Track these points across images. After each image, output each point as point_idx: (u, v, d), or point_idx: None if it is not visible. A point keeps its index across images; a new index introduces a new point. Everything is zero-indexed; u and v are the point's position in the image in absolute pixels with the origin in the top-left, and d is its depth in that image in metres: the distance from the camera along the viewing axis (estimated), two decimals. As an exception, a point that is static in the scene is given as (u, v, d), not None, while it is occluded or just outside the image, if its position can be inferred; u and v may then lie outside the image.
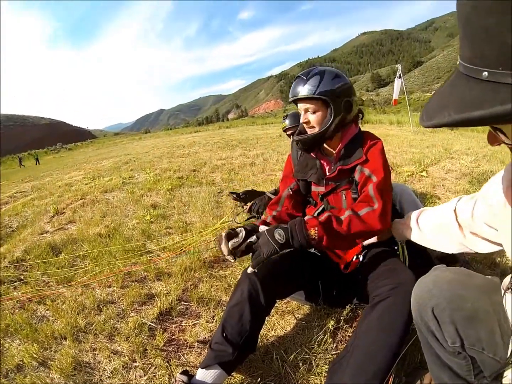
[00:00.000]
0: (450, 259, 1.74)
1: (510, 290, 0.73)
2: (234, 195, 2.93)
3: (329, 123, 1.31)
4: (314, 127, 1.35)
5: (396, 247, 1.42)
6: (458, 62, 0.48)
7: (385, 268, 1.25)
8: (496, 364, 0.78)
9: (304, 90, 1.29)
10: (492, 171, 3.91)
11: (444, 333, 0.84)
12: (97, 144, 36.51)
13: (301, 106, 1.35)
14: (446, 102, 0.46)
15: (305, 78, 1.31)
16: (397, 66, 10.39)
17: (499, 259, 1.97)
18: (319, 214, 1.44)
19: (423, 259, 1.59)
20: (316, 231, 1.14)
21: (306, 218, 1.21)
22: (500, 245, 0.86)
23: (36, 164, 25.36)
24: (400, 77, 9.61)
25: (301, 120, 1.37)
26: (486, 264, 1.95)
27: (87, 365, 1.45)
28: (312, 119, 1.34)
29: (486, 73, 0.40)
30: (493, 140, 0.55)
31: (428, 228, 1.18)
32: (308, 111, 1.34)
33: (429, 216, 1.19)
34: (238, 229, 1.27)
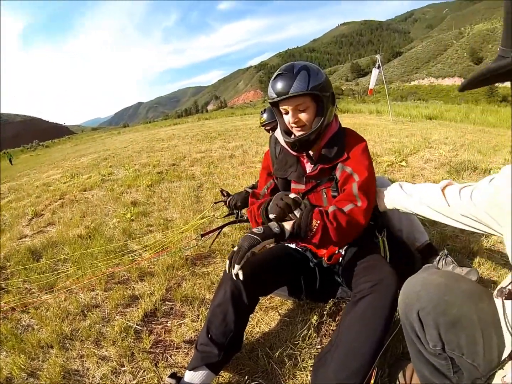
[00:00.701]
0: (429, 251, 1.80)
1: (504, 296, 0.75)
2: (224, 193, 2.82)
3: (322, 118, 1.29)
4: (305, 125, 1.31)
5: (377, 241, 1.45)
6: (498, 49, 0.56)
7: (366, 264, 1.28)
8: (474, 369, 0.81)
9: (295, 86, 1.22)
10: (470, 160, 4.02)
11: (426, 335, 0.87)
12: (75, 140, 35.52)
13: (289, 106, 1.28)
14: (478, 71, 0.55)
15: (291, 74, 1.24)
16: (376, 56, 10.48)
17: (476, 248, 2.04)
18: None
19: (403, 252, 1.63)
20: (317, 224, 1.19)
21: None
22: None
23: (10, 164, 24.12)
24: (379, 67, 9.71)
25: (290, 120, 1.31)
26: (465, 254, 2.02)
27: (76, 372, 1.44)
28: (304, 117, 1.29)
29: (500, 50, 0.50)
30: None
31: (416, 194, 1.19)
32: (298, 110, 1.29)
33: (413, 186, 1.24)
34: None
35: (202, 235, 2.24)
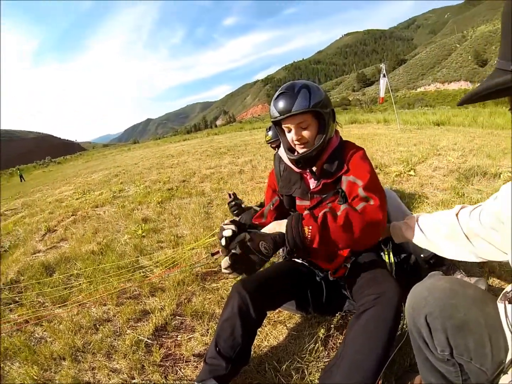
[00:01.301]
0: (436, 261, 1.79)
1: (508, 300, 0.75)
2: (231, 195, 2.78)
3: (324, 135, 1.32)
4: (307, 142, 1.34)
5: (382, 254, 1.47)
6: (496, 61, 0.56)
7: (370, 276, 1.29)
8: (483, 374, 0.81)
9: (297, 105, 1.26)
10: (479, 165, 3.97)
11: (434, 340, 0.88)
12: (87, 157, 36.25)
13: (291, 124, 1.32)
14: (477, 87, 0.56)
15: (292, 93, 1.28)
16: (381, 65, 10.54)
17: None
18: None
19: (409, 264, 1.63)
20: (310, 230, 1.13)
21: (304, 213, 1.21)
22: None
23: (20, 181, 23.82)
24: (384, 76, 9.76)
25: (293, 138, 1.34)
26: (474, 263, 1.99)
27: (87, 384, 1.48)
28: (306, 134, 1.32)
29: (497, 62, 0.51)
30: None
31: (430, 230, 1.18)
32: (300, 127, 1.32)
33: (428, 218, 1.22)
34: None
35: (212, 254, 2.27)
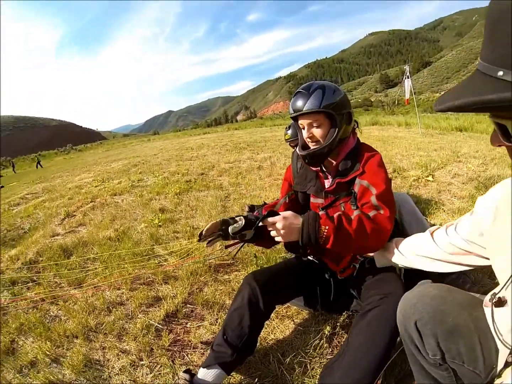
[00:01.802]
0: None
1: (492, 304, 0.77)
2: (247, 208, 2.80)
3: (334, 135, 1.34)
4: (318, 141, 1.37)
5: None
6: (478, 62, 0.53)
7: (377, 277, 1.31)
8: (477, 377, 0.82)
9: (309, 104, 1.31)
10: (500, 175, 3.86)
11: (425, 345, 0.89)
12: (107, 146, 36.95)
13: (304, 121, 1.37)
14: (460, 91, 0.52)
15: (307, 92, 1.33)
16: (405, 67, 10.36)
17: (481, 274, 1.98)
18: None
19: (419, 269, 1.63)
20: (326, 230, 1.15)
21: (320, 213, 1.26)
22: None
23: (36, 167, 23.25)
24: (408, 77, 9.59)
25: (305, 136, 1.39)
26: (486, 273, 1.95)
27: (97, 362, 1.55)
28: (317, 133, 1.35)
29: (501, 72, 0.45)
30: (495, 140, 0.61)
31: (406, 250, 1.21)
32: (312, 126, 1.36)
33: (405, 241, 1.25)
34: (237, 218, 1.33)
35: (226, 247, 2.31)
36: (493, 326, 0.77)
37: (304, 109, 1.31)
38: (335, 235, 1.14)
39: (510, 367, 0.72)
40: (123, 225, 3.48)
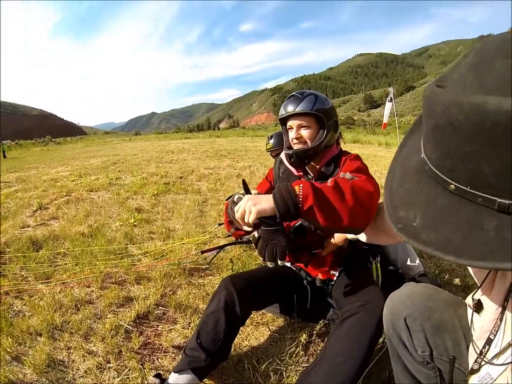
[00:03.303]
0: (421, 280, 1.82)
1: (473, 305, 0.79)
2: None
3: (321, 138, 1.39)
4: (306, 142, 1.42)
5: (370, 266, 1.49)
6: (422, 156, 0.48)
7: (356, 285, 1.32)
8: (461, 374, 0.84)
9: (302, 106, 1.38)
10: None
11: (414, 341, 0.90)
12: (87, 141, 36.03)
13: (294, 122, 1.42)
14: (413, 200, 0.48)
15: (301, 96, 1.42)
16: (389, 89, 10.65)
17: (472, 282, 2.04)
18: (295, 228, 1.40)
19: (397, 280, 1.66)
20: (301, 188, 0.96)
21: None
22: None
23: (4, 157, 20.64)
24: (391, 100, 9.85)
25: (293, 136, 1.43)
26: (460, 287, 2.04)
27: (61, 363, 1.46)
28: (305, 134, 1.41)
29: (453, 186, 0.42)
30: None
31: None
32: (301, 127, 1.41)
33: None
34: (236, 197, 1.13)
35: (203, 252, 2.27)
36: (471, 328, 0.79)
37: (297, 109, 1.39)
38: (313, 191, 0.96)
39: (474, 375, 0.74)
40: (98, 221, 3.37)
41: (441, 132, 0.41)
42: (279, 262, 0.95)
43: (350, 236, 1.34)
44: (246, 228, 1.03)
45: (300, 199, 0.94)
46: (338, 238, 1.40)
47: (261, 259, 0.96)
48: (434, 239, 0.43)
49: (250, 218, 0.95)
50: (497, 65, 0.36)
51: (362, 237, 1.24)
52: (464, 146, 0.38)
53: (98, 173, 6.49)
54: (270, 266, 0.96)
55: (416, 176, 0.49)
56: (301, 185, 0.97)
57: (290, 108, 1.41)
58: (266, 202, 0.96)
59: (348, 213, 0.97)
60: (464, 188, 0.40)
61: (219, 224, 2.73)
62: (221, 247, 2.36)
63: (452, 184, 0.42)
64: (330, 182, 1.06)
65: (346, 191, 1.00)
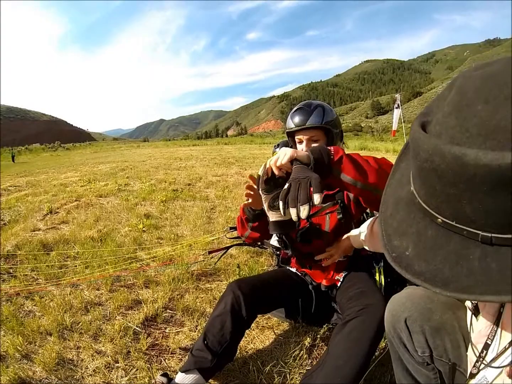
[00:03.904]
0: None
1: (472, 307, 0.80)
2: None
3: None
4: None
5: (373, 271, 1.51)
6: (411, 189, 0.51)
7: (359, 290, 1.33)
8: (461, 376, 0.86)
9: (312, 119, 1.41)
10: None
11: (414, 342, 0.92)
12: (95, 147, 36.50)
13: (304, 136, 1.44)
14: (405, 231, 0.51)
15: (309, 109, 1.44)
16: (396, 95, 10.65)
17: None
18: (302, 233, 1.50)
19: (399, 283, 1.67)
20: (332, 149, 1.04)
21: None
22: None
23: (12, 162, 21.26)
24: (398, 106, 9.85)
25: (304, 149, 1.44)
26: None
27: (70, 361, 1.50)
28: None
29: (440, 220, 0.45)
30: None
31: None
32: (311, 140, 1.44)
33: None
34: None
35: (210, 252, 2.34)
36: (470, 330, 0.80)
37: (307, 123, 1.41)
38: (343, 150, 1.05)
39: (473, 379, 0.75)
40: (107, 226, 3.43)
41: (425, 175, 0.44)
42: (315, 198, 0.88)
43: (357, 243, 1.38)
44: (277, 172, 1.02)
45: (332, 152, 1.02)
46: (345, 246, 1.43)
47: (292, 210, 0.89)
48: (425, 269, 0.46)
49: (285, 158, 0.99)
50: (478, 109, 0.38)
51: (373, 247, 1.31)
52: (447, 189, 0.41)
53: (107, 179, 6.59)
54: (304, 212, 0.88)
55: (407, 208, 0.52)
56: (332, 147, 1.05)
57: (300, 122, 1.43)
58: (301, 152, 1.02)
59: (375, 172, 1.03)
60: (450, 222, 0.43)
61: (231, 228, 2.63)
62: (228, 248, 2.40)
63: (439, 218, 0.45)
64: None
65: (369, 159, 1.08)
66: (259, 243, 2.43)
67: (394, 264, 0.50)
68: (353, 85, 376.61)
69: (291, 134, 1.53)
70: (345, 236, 1.45)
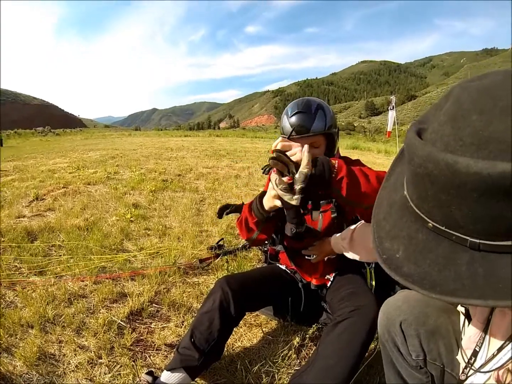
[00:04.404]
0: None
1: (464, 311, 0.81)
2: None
3: (335, 153, 1.43)
4: None
5: (364, 271, 1.51)
6: (405, 193, 0.52)
7: (350, 290, 1.33)
8: (453, 379, 0.86)
9: (315, 126, 1.32)
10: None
11: (409, 346, 0.92)
12: (86, 134, 35.85)
13: (305, 141, 1.30)
14: (397, 234, 0.52)
15: (310, 114, 1.34)
16: (391, 97, 10.70)
17: None
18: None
19: (390, 287, 1.67)
20: (336, 162, 1.04)
21: None
22: None
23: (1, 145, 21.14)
24: (393, 108, 9.91)
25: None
26: None
27: (52, 356, 1.45)
28: (319, 153, 1.36)
29: (431, 224, 0.46)
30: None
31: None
32: (312, 146, 1.34)
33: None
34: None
35: (201, 261, 2.32)
36: (462, 335, 0.81)
37: (311, 131, 1.32)
38: (346, 166, 1.05)
39: None
40: (94, 215, 3.36)
41: (419, 180, 0.45)
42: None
43: (337, 249, 1.38)
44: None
45: (335, 170, 1.02)
46: (326, 249, 1.43)
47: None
48: (414, 271, 0.47)
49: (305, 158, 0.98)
50: (472, 120, 0.39)
51: (352, 255, 1.32)
52: (439, 195, 0.42)
53: (96, 167, 6.46)
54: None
55: (400, 212, 0.53)
56: (336, 160, 1.05)
57: (302, 128, 1.33)
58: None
59: (371, 192, 1.03)
60: (440, 227, 0.45)
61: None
62: (218, 256, 2.40)
63: (430, 222, 0.46)
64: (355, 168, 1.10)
65: (371, 176, 1.07)
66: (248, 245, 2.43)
67: (384, 265, 0.51)
68: (349, 84, 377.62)
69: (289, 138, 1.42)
70: (326, 239, 1.44)
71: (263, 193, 1.22)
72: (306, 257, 1.49)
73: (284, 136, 1.36)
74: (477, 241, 0.41)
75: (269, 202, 1.14)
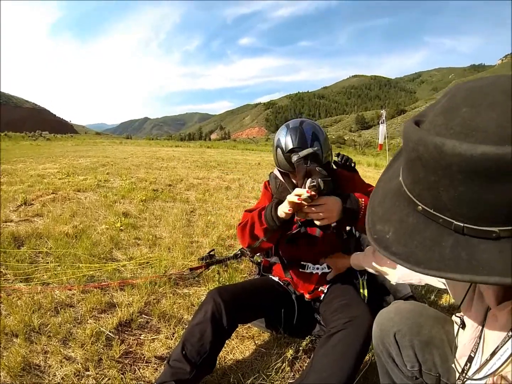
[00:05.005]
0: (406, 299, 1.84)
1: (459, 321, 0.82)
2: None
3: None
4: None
5: (357, 282, 1.51)
6: (400, 179, 0.54)
7: (342, 302, 1.32)
8: None
9: (313, 159, 1.31)
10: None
11: (404, 357, 0.92)
12: (77, 140, 35.44)
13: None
14: (389, 218, 0.54)
15: (308, 142, 1.38)
16: (381, 111, 10.88)
17: (453, 300, 2.07)
18: (293, 234, 1.51)
19: (383, 299, 1.67)
20: (363, 201, 1.23)
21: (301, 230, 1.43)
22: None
23: None
24: (383, 122, 10.06)
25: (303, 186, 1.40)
26: (445, 308, 2.05)
27: (37, 367, 1.39)
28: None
29: (420, 207, 0.48)
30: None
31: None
32: None
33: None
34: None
35: (191, 270, 2.29)
36: (456, 344, 0.82)
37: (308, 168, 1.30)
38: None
39: None
40: (83, 223, 3.30)
41: (412, 164, 0.48)
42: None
43: (356, 264, 1.39)
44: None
45: (362, 206, 1.20)
46: (341, 265, 1.47)
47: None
48: (401, 251, 0.49)
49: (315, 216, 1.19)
50: (462, 112, 0.43)
51: (374, 266, 1.31)
52: (428, 177, 0.45)
53: (87, 174, 6.38)
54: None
55: (394, 198, 0.55)
56: (363, 199, 1.23)
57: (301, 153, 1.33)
58: (336, 207, 1.20)
59: None
60: (429, 210, 0.47)
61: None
62: (209, 265, 2.38)
63: (420, 205, 0.48)
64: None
65: None
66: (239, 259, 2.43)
67: (373, 243, 0.54)
68: (340, 98, 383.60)
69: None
70: (341, 254, 1.49)
71: (280, 201, 1.28)
72: (312, 270, 1.53)
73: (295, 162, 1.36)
74: (462, 224, 0.43)
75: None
